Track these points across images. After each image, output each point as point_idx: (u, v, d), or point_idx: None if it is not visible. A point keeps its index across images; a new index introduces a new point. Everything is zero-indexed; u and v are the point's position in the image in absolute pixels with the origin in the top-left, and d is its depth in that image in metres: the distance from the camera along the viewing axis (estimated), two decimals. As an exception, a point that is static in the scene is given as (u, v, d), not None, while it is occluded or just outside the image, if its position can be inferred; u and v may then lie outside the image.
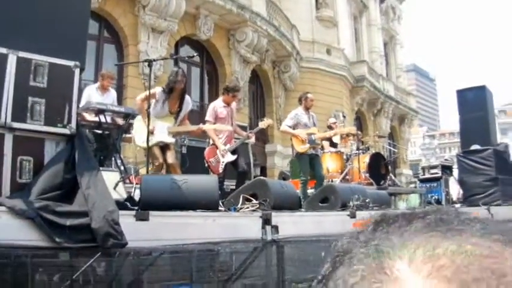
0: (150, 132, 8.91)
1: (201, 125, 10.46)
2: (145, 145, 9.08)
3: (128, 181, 9.27)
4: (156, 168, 9.34)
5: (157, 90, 9.64)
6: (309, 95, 12.22)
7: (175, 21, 22.82)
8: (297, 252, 6.84)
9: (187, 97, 10.08)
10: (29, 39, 4.90)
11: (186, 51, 24.78)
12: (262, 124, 11.28)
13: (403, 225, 0.71)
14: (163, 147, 9.56)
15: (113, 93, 11.61)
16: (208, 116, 10.66)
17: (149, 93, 9.12)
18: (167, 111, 9.64)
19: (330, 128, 15.32)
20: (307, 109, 12.16)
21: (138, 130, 9.46)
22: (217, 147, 10.38)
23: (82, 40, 5.54)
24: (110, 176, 7.08)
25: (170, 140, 9.63)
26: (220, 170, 10.29)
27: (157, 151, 9.43)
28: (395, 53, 53.73)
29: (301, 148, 11.69)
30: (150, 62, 9.46)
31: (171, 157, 9.60)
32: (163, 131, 9.46)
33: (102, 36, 22.11)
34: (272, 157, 29.73)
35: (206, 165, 10.49)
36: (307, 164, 11.73)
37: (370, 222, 0.78)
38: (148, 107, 9.04)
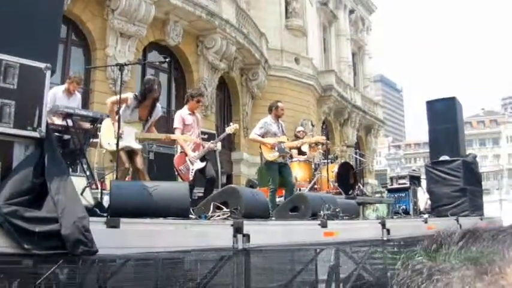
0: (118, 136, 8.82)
1: (169, 134, 10.39)
2: (112, 148, 9.00)
3: (94, 186, 9.12)
4: (121, 173, 9.22)
5: (129, 95, 9.55)
6: (280, 104, 12.18)
7: (144, 26, 22.70)
8: (267, 261, 6.77)
9: (158, 105, 10.02)
10: (-1, 40, 4.78)
11: (154, 56, 24.76)
12: (229, 129, 11.29)
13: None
14: (130, 152, 9.45)
15: (78, 97, 11.46)
16: (177, 124, 10.67)
17: (119, 97, 8.99)
18: (137, 118, 9.55)
19: (297, 136, 15.31)
20: (277, 118, 12.12)
21: (105, 132, 9.35)
22: (186, 155, 10.31)
23: (54, 42, 5.42)
24: (76, 182, 6.94)
25: (137, 146, 9.54)
26: (191, 178, 10.24)
27: (124, 156, 9.33)
28: (364, 63, 54.16)
29: (271, 156, 11.64)
30: (121, 66, 9.35)
31: (139, 162, 9.52)
32: (130, 136, 9.35)
33: (69, 39, 21.88)
34: (238, 165, 29.73)
35: (176, 173, 10.44)
36: (277, 172, 11.67)
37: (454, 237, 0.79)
38: (118, 111, 8.93)
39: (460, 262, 0.73)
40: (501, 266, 0.69)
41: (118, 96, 9.25)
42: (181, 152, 10.57)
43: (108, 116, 9.60)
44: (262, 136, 11.85)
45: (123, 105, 9.40)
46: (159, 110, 10.02)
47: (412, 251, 0.84)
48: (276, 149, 11.58)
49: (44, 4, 5.22)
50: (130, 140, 9.34)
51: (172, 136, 10.44)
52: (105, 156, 11.01)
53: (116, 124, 8.85)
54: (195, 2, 24.65)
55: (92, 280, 4.91)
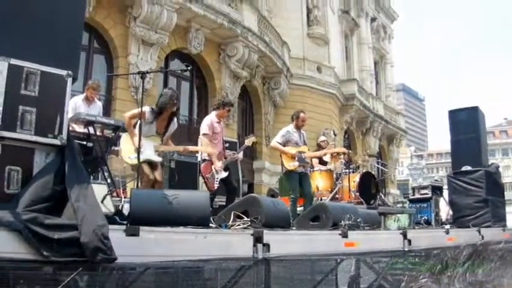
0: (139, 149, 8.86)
1: (187, 146, 10.41)
2: (133, 162, 8.99)
3: (115, 194, 9.13)
4: (145, 184, 9.21)
5: (147, 109, 9.44)
6: (302, 115, 12.10)
7: (166, 34, 22.79)
8: (287, 271, 6.73)
9: (175, 119, 9.98)
10: (21, 46, 4.80)
11: (176, 64, 24.79)
12: (247, 141, 11.23)
13: None
14: (151, 164, 9.45)
15: (98, 105, 11.49)
16: (207, 130, 10.61)
17: (141, 110, 8.97)
18: (154, 131, 9.51)
19: (320, 146, 15.25)
20: (298, 128, 12.06)
21: (125, 147, 9.32)
22: (212, 163, 10.30)
23: (75, 49, 5.44)
24: (97, 189, 6.94)
25: (158, 158, 9.49)
26: (216, 186, 10.22)
27: (147, 168, 9.31)
28: (385, 72, 53.98)
29: (290, 166, 11.60)
30: (143, 74, 9.35)
31: (159, 175, 9.50)
32: (150, 149, 9.34)
33: (92, 46, 22.01)
34: (260, 174, 29.68)
35: (203, 181, 10.47)
36: (297, 181, 11.62)
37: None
38: (139, 123, 8.93)
39: (464, 287, 0.68)
40: None
41: (135, 111, 9.30)
42: (208, 160, 10.55)
43: (125, 130, 9.59)
44: (284, 145, 11.79)
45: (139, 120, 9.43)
46: (175, 124, 9.99)
47: (417, 270, 0.79)
48: (296, 158, 11.54)
49: (66, 11, 5.23)
50: (150, 154, 9.33)
51: (190, 148, 10.51)
52: (127, 166, 11.05)
53: (135, 138, 8.85)
54: (216, 9, 24.73)
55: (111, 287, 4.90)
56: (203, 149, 10.47)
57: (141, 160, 8.86)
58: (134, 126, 9.17)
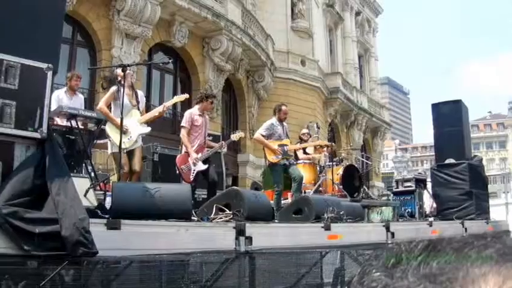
0: (125, 132, 9.17)
1: (163, 105, 10.50)
2: (132, 140, 9.45)
3: (98, 188, 9.10)
4: (123, 176, 9.24)
5: (113, 89, 9.58)
6: (283, 108, 12.11)
7: (150, 27, 22.67)
8: (270, 264, 6.73)
9: (139, 92, 10.12)
10: (0, 40, 4.76)
11: (159, 57, 24.61)
12: (234, 137, 11.25)
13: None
14: (130, 153, 9.48)
15: (81, 98, 11.44)
16: (185, 122, 10.59)
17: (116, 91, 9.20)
18: (129, 104, 9.57)
19: (301, 139, 15.25)
20: (281, 120, 12.07)
21: (114, 134, 9.34)
22: (189, 155, 10.28)
23: (56, 42, 5.41)
24: (80, 183, 6.92)
25: (147, 129, 9.63)
26: (191, 178, 10.21)
27: (124, 159, 9.34)
28: (370, 65, 54.00)
29: (274, 158, 11.61)
30: (124, 67, 9.34)
31: (137, 164, 9.52)
32: (135, 125, 9.40)
33: (75, 39, 21.91)
34: (244, 167, 29.65)
35: (177, 172, 10.38)
36: (281, 174, 11.63)
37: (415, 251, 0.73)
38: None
39: (417, 280, 0.69)
40: (462, 284, 0.64)
41: (106, 96, 9.82)
42: (184, 152, 10.53)
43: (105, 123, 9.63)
44: (268, 138, 11.80)
45: (112, 102, 9.51)
46: (143, 97, 10.21)
47: (370, 265, 0.80)
48: (280, 151, 11.55)
49: (46, 4, 5.20)
50: (139, 128, 9.43)
51: (167, 103, 10.62)
52: (110, 158, 11.01)
53: (118, 120, 8.96)
54: (200, 3, 24.64)
55: (96, 281, 4.89)
56: (177, 98, 10.88)
57: (135, 137, 9.06)
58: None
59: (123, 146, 9.22)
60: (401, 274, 0.68)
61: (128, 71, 9.81)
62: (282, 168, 11.67)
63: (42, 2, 5.20)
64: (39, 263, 4.28)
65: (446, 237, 0.78)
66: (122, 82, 9.62)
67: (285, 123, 12.26)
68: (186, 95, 11.16)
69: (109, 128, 9.46)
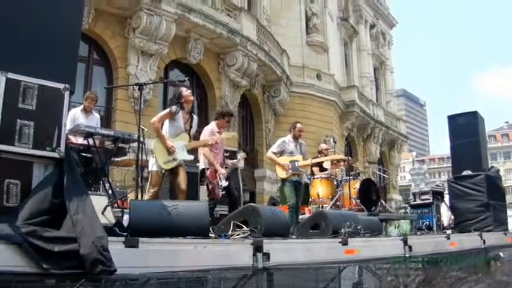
0: (171, 153, 9.23)
1: (213, 137, 10.35)
2: (171, 165, 9.27)
3: (116, 205, 9.15)
4: (152, 196, 9.22)
5: (172, 108, 9.52)
6: (298, 125, 12.14)
7: (165, 45, 22.82)
8: (288, 279, 6.73)
9: (195, 117, 10.06)
10: (18, 61, 4.82)
11: (175, 74, 24.75)
12: (239, 157, 11.30)
13: None
14: (177, 171, 9.44)
15: (96, 116, 11.52)
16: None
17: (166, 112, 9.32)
18: (183, 129, 9.58)
19: (321, 153, 15.25)
20: (295, 138, 12.11)
21: (159, 153, 9.30)
22: (216, 171, 10.28)
23: (72, 62, 5.45)
24: (98, 200, 6.97)
25: (190, 157, 9.61)
26: (220, 194, 10.20)
27: (156, 178, 9.34)
28: (386, 78, 54.00)
29: (284, 174, 11.66)
30: (140, 86, 9.39)
31: (183, 183, 9.41)
32: (181, 149, 9.40)
33: (91, 58, 22.07)
34: (261, 182, 29.65)
35: (207, 188, 10.36)
36: (293, 189, 11.64)
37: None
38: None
39: None
40: None
41: (162, 113, 9.63)
42: (210, 166, 10.51)
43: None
44: (281, 155, 11.85)
45: (167, 121, 9.50)
46: (195, 119, 10.07)
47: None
48: (289, 167, 11.57)
49: (63, 25, 5.25)
50: (183, 154, 9.42)
51: (216, 138, 10.40)
52: (127, 175, 11.05)
53: (168, 141, 9.11)
54: (215, 19, 24.78)
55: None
56: (229, 135, 10.70)
57: (176, 162, 9.06)
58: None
59: (164, 167, 9.28)
60: None
61: (189, 97, 9.83)
62: (293, 183, 11.67)
63: (59, 22, 5.25)
64: (57, 281, 4.31)
65: (442, 271, 0.80)
66: (183, 105, 9.64)
67: (302, 141, 12.27)
68: (234, 133, 11.24)
69: (156, 145, 9.41)
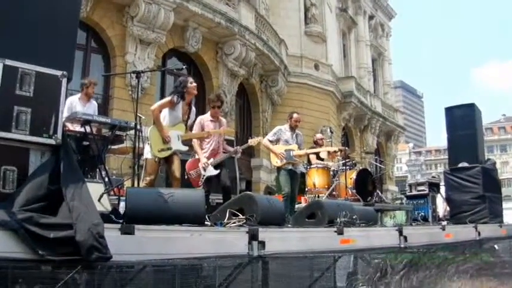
0: (166, 142, 9.33)
1: (209, 131, 10.38)
2: (166, 153, 9.39)
3: (112, 193, 9.16)
4: (148, 183, 9.26)
5: (173, 97, 9.56)
6: (295, 115, 12.16)
7: (164, 33, 22.80)
8: (283, 268, 6.76)
9: (193, 108, 10.09)
10: (15, 47, 4.82)
11: (173, 63, 24.72)
12: (251, 142, 11.18)
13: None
14: (171, 159, 9.48)
15: (94, 104, 11.47)
16: (194, 129, 10.54)
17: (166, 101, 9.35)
18: (180, 117, 9.60)
19: (316, 143, 15.27)
20: (292, 128, 12.12)
21: (154, 140, 9.33)
22: (199, 160, 10.29)
23: (70, 49, 5.45)
24: (94, 188, 6.98)
25: (184, 148, 9.66)
26: (200, 184, 10.16)
27: (155, 165, 9.38)
28: (383, 69, 54.02)
29: (278, 162, 11.68)
30: (138, 74, 9.39)
31: (177, 171, 9.48)
32: (176, 139, 9.43)
33: (89, 46, 22.04)
34: (258, 171, 29.66)
35: (186, 176, 10.35)
36: (287, 178, 11.67)
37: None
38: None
39: None
40: None
41: (163, 101, 9.79)
42: (195, 157, 10.53)
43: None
44: (276, 143, 11.86)
45: (167, 109, 9.51)
46: (194, 111, 10.11)
47: (357, 279, 0.86)
48: (284, 156, 11.58)
49: (60, 11, 5.25)
50: (178, 144, 9.45)
51: (211, 131, 10.44)
52: (123, 162, 11.05)
53: (164, 130, 9.20)
54: (214, 8, 24.75)
55: (110, 286, 4.93)
56: (227, 131, 10.86)
57: (170, 151, 9.12)
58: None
59: (160, 155, 9.35)
60: (385, 287, 0.74)
61: (193, 90, 9.89)
62: (287, 172, 11.69)
63: (57, 9, 5.25)
64: (53, 267, 4.33)
65: (430, 254, 0.83)
66: (185, 95, 9.68)
67: (298, 132, 12.28)
68: (232, 130, 11.21)
69: (152, 133, 9.44)
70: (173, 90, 9.90)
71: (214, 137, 10.49)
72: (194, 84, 10.01)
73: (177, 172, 9.38)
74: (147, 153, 9.50)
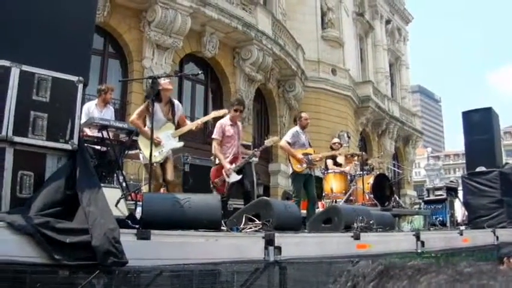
0: (157, 145, 9.16)
1: (198, 121, 10.36)
2: (162, 156, 9.36)
3: (129, 198, 9.18)
4: (155, 187, 9.26)
5: (146, 102, 9.58)
6: (303, 114, 12.27)
7: (181, 38, 22.86)
8: (300, 273, 6.74)
9: (176, 102, 10.09)
10: (32, 53, 4.86)
11: (190, 68, 24.78)
12: (268, 142, 11.16)
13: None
14: (164, 164, 9.50)
15: (111, 110, 11.49)
16: (216, 134, 10.52)
17: (148, 106, 9.17)
18: (164, 118, 9.59)
19: (332, 148, 15.26)
20: (303, 128, 12.11)
21: (146, 148, 9.35)
22: (223, 167, 10.25)
23: (86, 55, 5.48)
24: (111, 193, 7.00)
25: (179, 144, 9.64)
26: (225, 190, 10.14)
27: (158, 170, 9.38)
28: (401, 73, 53.81)
29: (298, 167, 11.64)
30: (154, 79, 9.41)
31: (170, 174, 9.53)
32: (169, 138, 9.43)
33: (106, 51, 22.15)
34: (275, 176, 29.62)
35: (212, 186, 10.32)
36: (301, 184, 11.68)
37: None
38: (145, 124, 9.15)
39: None
40: None
41: (139, 109, 9.76)
42: (217, 163, 10.45)
43: (137, 134, 9.66)
44: (292, 146, 11.83)
45: (147, 115, 9.52)
46: (179, 107, 10.10)
47: None
48: (304, 160, 11.57)
49: (76, 18, 5.28)
50: (171, 143, 9.46)
51: (204, 119, 10.57)
52: (141, 168, 11.08)
53: (149, 135, 9.00)
54: (231, 13, 24.77)
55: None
56: (214, 114, 10.56)
57: (162, 156, 9.10)
58: (144, 125, 9.41)
59: (154, 160, 9.27)
60: None
61: (168, 85, 9.87)
62: (303, 177, 11.70)
63: (73, 15, 5.28)
64: (70, 272, 4.34)
65: (403, 264, 0.83)
66: (160, 96, 9.64)
67: (305, 132, 12.30)
68: (225, 111, 11.02)
69: (140, 141, 9.49)
70: (146, 95, 9.93)
71: (234, 141, 10.48)
72: (167, 80, 10.02)
73: (169, 176, 9.51)
74: (143, 160, 9.60)
